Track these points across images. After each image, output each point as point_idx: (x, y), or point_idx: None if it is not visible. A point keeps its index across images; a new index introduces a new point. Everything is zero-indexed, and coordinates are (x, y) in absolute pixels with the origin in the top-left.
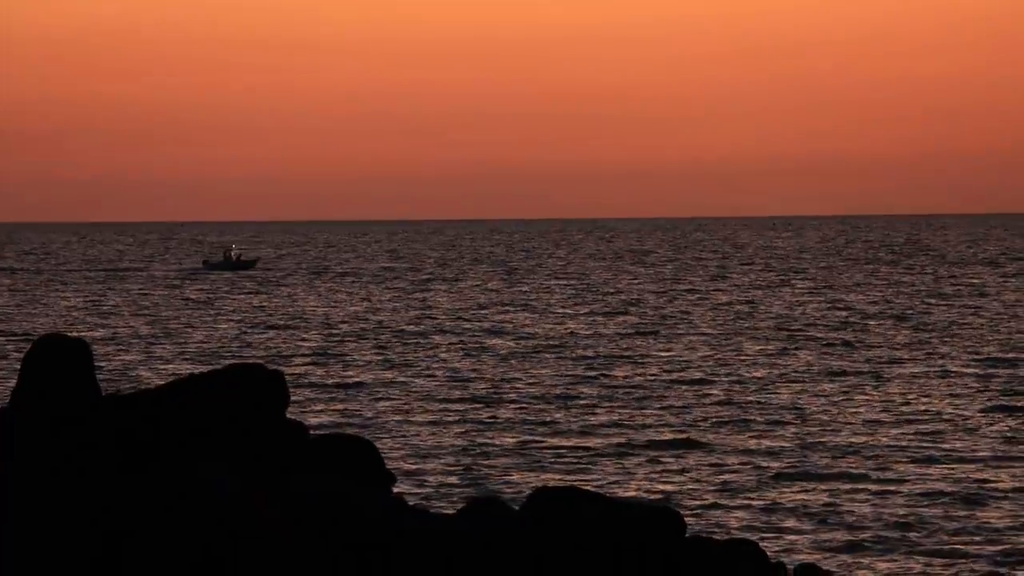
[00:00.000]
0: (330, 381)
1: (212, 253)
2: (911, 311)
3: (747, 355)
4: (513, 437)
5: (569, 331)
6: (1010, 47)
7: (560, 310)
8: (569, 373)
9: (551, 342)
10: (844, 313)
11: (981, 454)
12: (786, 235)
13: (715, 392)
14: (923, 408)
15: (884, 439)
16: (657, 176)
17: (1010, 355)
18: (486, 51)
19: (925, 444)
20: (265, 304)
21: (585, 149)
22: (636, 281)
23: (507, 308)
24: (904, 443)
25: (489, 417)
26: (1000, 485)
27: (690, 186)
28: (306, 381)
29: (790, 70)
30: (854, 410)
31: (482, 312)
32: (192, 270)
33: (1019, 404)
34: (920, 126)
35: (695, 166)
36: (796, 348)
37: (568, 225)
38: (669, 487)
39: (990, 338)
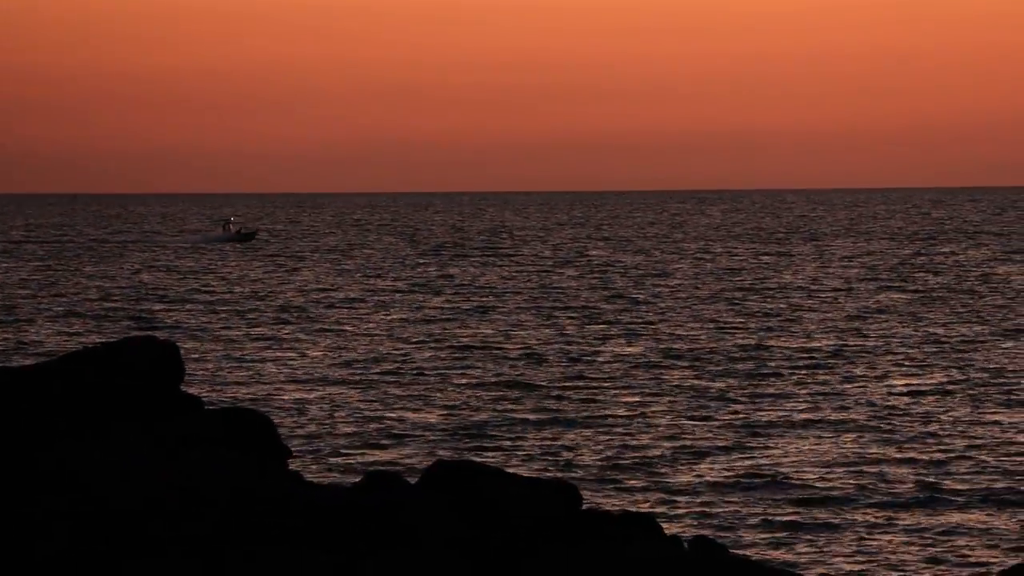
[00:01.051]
0: (227, 355)
1: (211, 227)
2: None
3: (641, 330)
4: (412, 413)
5: (472, 307)
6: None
7: (472, 288)
8: (465, 351)
9: (446, 318)
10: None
11: (864, 422)
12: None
13: (612, 367)
14: (814, 379)
15: (783, 415)
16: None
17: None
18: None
19: (821, 417)
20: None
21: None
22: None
23: (411, 284)
24: (803, 417)
25: (388, 393)
26: (902, 458)
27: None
28: (202, 355)
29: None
30: (755, 387)
31: (382, 288)
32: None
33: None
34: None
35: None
36: (704, 323)
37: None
38: (565, 461)
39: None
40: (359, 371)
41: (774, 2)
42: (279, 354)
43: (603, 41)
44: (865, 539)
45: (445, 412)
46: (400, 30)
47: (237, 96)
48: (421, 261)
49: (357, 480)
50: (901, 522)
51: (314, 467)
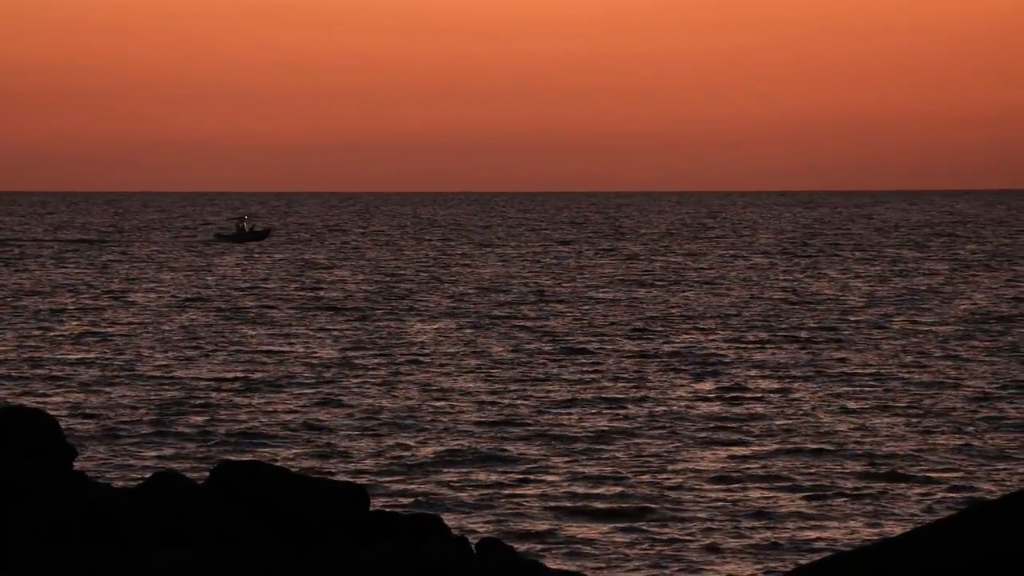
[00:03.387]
0: (15, 355)
1: (225, 225)
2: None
3: (418, 337)
4: (200, 415)
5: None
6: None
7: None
8: (260, 349)
9: (237, 319)
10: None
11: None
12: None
13: (408, 370)
14: (639, 381)
15: (575, 418)
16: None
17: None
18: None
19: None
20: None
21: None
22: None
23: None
24: (599, 419)
25: (178, 394)
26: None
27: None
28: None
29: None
30: (551, 389)
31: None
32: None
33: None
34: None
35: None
36: (463, 327)
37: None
38: (358, 464)
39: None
40: (153, 370)
41: (573, 5)
42: (74, 352)
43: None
44: (656, 544)
45: (239, 413)
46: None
47: None
48: (187, 254)
49: (143, 480)
50: (699, 526)
51: (103, 467)
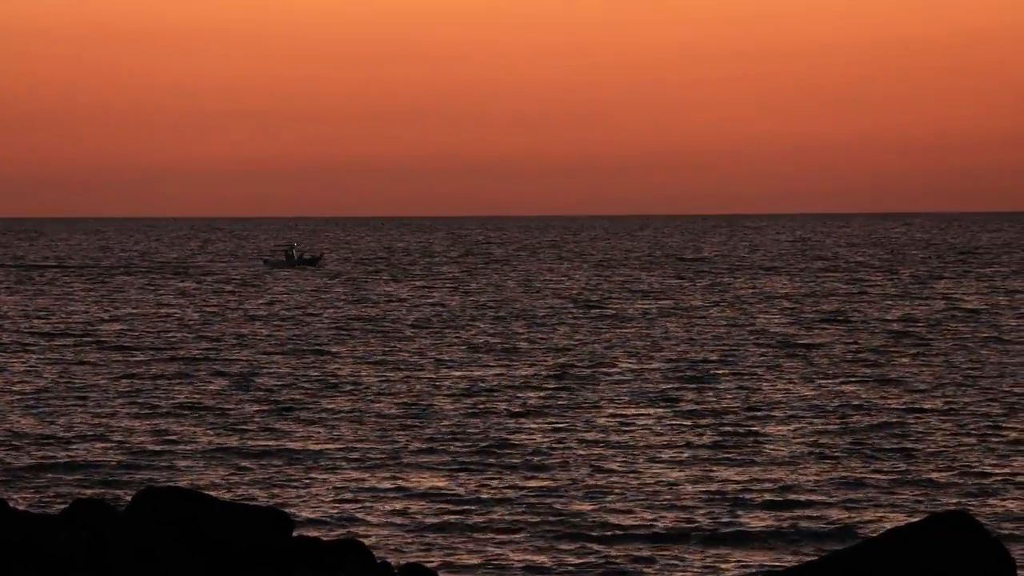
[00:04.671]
0: None
1: (274, 252)
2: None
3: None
4: (121, 438)
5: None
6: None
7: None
8: (173, 372)
9: (152, 339)
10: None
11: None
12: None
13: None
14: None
15: (485, 428)
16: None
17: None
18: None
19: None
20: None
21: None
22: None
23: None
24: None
25: (99, 420)
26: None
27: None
28: None
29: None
30: (471, 400)
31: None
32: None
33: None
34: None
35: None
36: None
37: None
38: (278, 490)
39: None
40: (70, 392)
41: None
42: (21, 381)
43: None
44: (590, 546)
45: (159, 437)
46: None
47: None
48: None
49: (64, 508)
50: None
51: (23, 494)
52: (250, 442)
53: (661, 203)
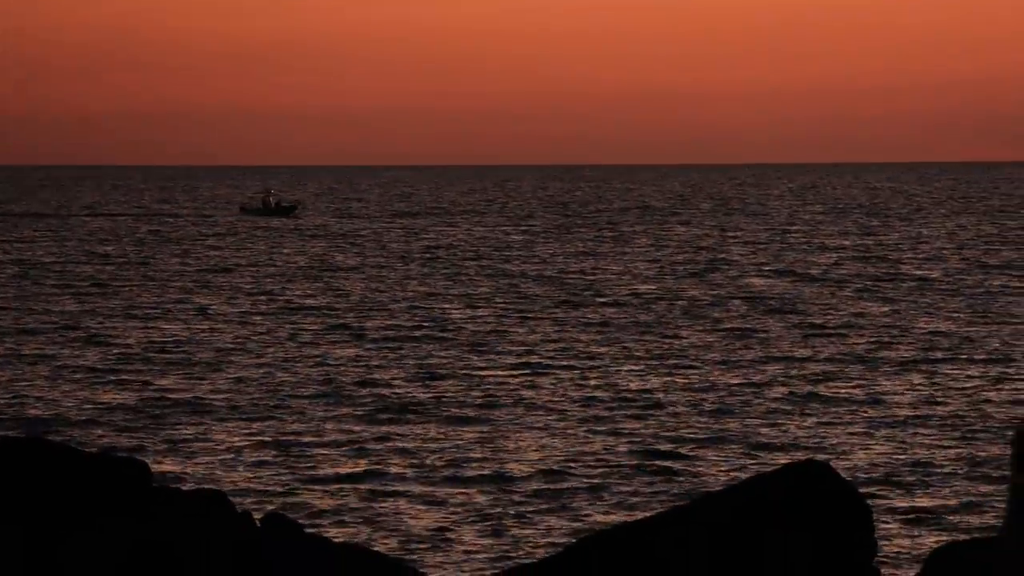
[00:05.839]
0: None
1: (251, 199)
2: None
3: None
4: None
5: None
6: None
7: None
8: (60, 326)
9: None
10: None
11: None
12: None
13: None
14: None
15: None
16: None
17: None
18: None
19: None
20: None
21: None
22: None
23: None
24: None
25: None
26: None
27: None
28: None
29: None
30: (335, 364)
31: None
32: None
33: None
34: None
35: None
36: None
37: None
38: (142, 443)
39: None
40: None
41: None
42: None
43: None
44: (488, 517)
45: (33, 395)
46: None
47: None
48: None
49: None
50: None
51: None
52: (118, 397)
53: None
